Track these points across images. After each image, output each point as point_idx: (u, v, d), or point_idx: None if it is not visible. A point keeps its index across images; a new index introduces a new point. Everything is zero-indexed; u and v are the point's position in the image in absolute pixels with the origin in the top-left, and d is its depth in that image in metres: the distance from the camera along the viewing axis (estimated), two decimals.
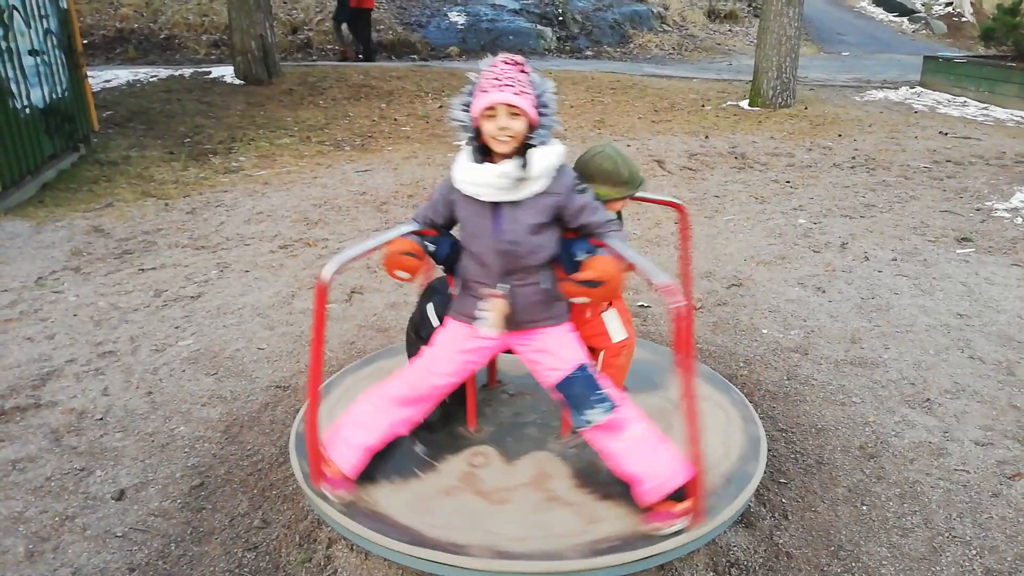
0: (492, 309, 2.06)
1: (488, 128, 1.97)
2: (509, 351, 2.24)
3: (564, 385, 2.08)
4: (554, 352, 2.12)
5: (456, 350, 2.16)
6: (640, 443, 2.07)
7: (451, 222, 2.21)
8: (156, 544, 2.42)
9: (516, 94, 1.93)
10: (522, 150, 2.00)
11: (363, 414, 2.20)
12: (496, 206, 2.04)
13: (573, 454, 2.39)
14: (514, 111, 1.95)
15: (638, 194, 2.41)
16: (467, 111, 2.01)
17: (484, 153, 2.03)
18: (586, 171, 2.28)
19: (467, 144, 2.05)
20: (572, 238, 2.13)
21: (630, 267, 2.03)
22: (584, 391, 2.05)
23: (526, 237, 2.04)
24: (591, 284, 1.98)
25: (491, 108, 1.95)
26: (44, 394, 3.28)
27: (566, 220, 2.10)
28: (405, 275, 2.12)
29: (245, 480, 2.74)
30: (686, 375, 1.95)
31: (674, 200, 2.59)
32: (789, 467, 2.81)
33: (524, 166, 1.98)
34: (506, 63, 1.98)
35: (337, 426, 2.23)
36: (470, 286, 2.14)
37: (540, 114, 2.00)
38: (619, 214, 2.40)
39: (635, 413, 2.11)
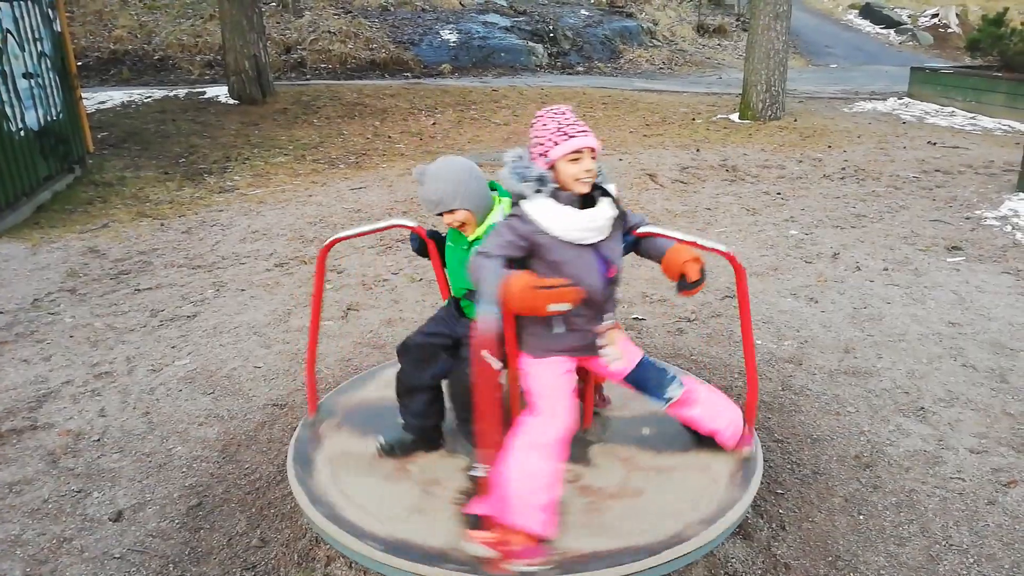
0: (614, 343, 2.22)
1: (572, 171, 2.05)
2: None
3: (638, 373, 2.29)
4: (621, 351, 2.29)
5: (565, 373, 2.22)
6: (709, 403, 2.38)
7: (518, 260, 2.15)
8: (154, 565, 2.41)
9: (596, 138, 2.06)
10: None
11: (535, 475, 2.06)
12: (596, 245, 2.12)
13: (611, 435, 2.59)
14: (594, 153, 2.06)
15: None
16: (525, 170, 2.06)
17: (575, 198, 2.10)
18: None
19: (548, 193, 2.06)
20: None
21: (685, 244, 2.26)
22: (657, 374, 2.32)
23: (621, 261, 2.21)
24: (703, 273, 2.17)
25: (578, 152, 2.04)
26: (41, 416, 3.28)
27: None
28: (565, 305, 2.03)
29: (243, 499, 2.74)
30: (745, 322, 2.33)
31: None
32: (785, 478, 2.82)
33: (614, 202, 2.11)
34: (567, 110, 2.09)
35: (511, 501, 2.06)
36: (571, 322, 2.16)
37: None
38: None
39: (692, 379, 2.43)
